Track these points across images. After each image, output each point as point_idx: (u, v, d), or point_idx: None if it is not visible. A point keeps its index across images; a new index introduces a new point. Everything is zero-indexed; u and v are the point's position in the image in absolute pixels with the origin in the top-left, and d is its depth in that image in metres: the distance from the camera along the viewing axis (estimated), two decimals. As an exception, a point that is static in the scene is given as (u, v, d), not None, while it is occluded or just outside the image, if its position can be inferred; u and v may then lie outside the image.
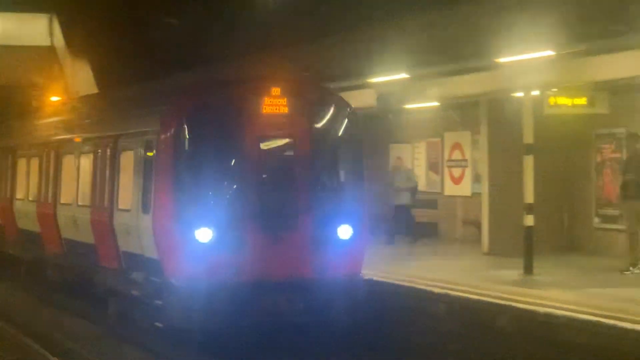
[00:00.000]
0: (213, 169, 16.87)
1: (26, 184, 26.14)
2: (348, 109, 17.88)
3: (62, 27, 33.42)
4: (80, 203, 21.54)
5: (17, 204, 27.14)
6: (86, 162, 21.25)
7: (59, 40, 34.34)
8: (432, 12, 24.45)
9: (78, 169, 21.89)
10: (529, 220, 20.27)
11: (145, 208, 17.18)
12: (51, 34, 34.00)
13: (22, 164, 27.12)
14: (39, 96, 32.80)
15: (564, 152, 25.20)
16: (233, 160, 16.87)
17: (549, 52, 18.78)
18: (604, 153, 24.16)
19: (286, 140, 17.28)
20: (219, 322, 16.04)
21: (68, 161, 22.71)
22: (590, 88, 21.49)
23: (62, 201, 22.84)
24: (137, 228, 17.39)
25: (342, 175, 17.92)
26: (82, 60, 33.63)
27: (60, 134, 24.20)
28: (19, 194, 27.09)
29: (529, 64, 19.63)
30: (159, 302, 16.70)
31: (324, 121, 17.57)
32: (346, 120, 17.74)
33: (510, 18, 19.26)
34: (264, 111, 16.95)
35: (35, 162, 25.31)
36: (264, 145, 16.92)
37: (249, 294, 16.19)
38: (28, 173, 26.05)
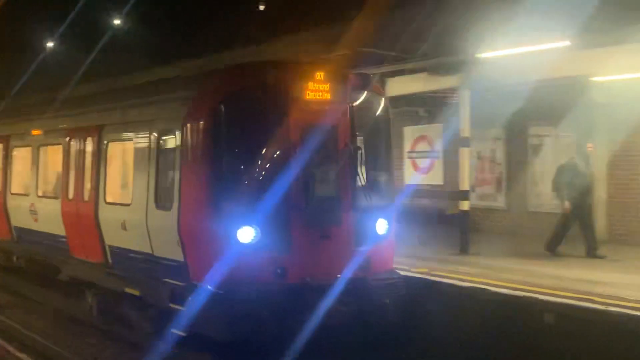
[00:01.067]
0: (253, 161, 12.16)
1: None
2: (383, 96, 13.75)
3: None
4: (52, 194, 16.79)
5: None
6: (61, 154, 16.33)
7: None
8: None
9: (55, 161, 16.78)
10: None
11: (161, 204, 12.76)
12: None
13: None
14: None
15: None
16: (274, 151, 12.12)
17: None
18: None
19: (328, 129, 12.45)
20: (265, 331, 11.61)
21: (44, 153, 17.66)
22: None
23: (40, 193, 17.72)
24: (144, 225, 13.07)
25: (377, 165, 13.50)
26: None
27: (27, 126, 18.69)
28: None
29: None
30: (177, 306, 12.17)
31: (363, 109, 13.00)
32: (381, 109, 13.51)
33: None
34: (307, 97, 12.37)
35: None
36: (306, 134, 12.16)
37: (298, 298, 11.79)
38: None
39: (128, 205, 13.76)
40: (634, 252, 18.24)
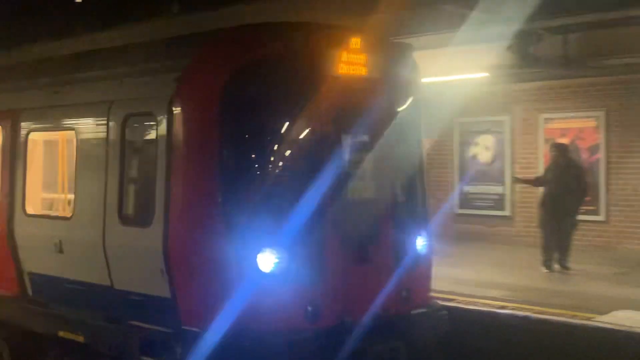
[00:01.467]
0: (275, 158, 8.58)
1: None
2: (420, 76, 10.00)
3: None
4: None
5: None
6: None
7: None
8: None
9: None
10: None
11: (132, 218, 9.05)
12: None
13: None
14: None
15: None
16: (303, 145, 8.59)
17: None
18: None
19: (365, 117, 8.86)
20: None
21: None
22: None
23: None
24: (98, 247, 9.20)
25: (411, 165, 9.87)
26: None
27: None
28: None
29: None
30: None
31: (402, 92, 9.52)
32: (418, 93, 9.90)
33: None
34: (340, 71, 8.74)
35: None
36: (341, 123, 8.64)
37: (336, 348, 8.19)
38: None
39: (67, 219, 9.98)
40: (447, 247, 18.34)
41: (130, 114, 9.02)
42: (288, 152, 8.58)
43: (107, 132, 9.25)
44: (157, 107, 8.56)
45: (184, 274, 8.30)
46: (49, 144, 10.90)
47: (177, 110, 8.37)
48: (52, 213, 10.62)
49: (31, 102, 10.77)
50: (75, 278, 9.74)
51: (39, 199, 10.96)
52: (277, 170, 8.55)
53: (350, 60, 8.82)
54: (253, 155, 8.39)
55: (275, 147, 8.54)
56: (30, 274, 10.58)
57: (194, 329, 8.17)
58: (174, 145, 8.34)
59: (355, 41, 8.84)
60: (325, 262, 8.49)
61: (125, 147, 9.04)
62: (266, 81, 8.32)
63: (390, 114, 9.33)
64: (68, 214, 9.96)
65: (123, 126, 9.07)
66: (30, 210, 10.62)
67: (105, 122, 9.29)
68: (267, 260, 8.11)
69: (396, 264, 9.20)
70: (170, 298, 8.43)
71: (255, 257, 8.06)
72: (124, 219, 9.00)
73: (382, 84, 9.21)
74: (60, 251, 9.86)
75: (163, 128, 8.48)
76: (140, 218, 8.81)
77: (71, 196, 10.05)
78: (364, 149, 9.08)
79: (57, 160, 10.62)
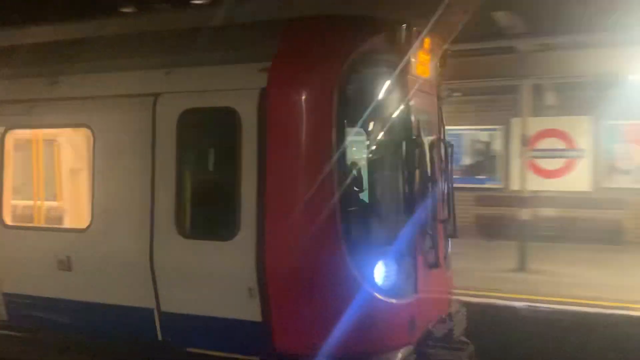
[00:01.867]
0: (386, 162, 7.97)
1: None
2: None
3: None
4: None
5: None
6: None
7: None
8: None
9: None
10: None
11: (200, 230, 7.72)
12: None
13: None
14: None
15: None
16: (405, 147, 7.68)
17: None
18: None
19: (428, 119, 8.60)
20: None
21: None
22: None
23: None
24: (143, 264, 7.79)
25: (447, 165, 9.20)
26: None
27: None
28: None
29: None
30: None
31: (441, 96, 9.11)
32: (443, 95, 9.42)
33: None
34: (417, 72, 8.11)
35: None
36: (420, 125, 8.07)
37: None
38: None
39: (80, 231, 8.29)
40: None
41: (190, 109, 7.64)
42: (397, 156, 7.74)
43: (153, 130, 7.78)
44: (242, 102, 7.34)
45: (285, 292, 7.28)
46: (40, 144, 8.91)
47: (276, 105, 7.22)
48: (52, 224, 8.80)
49: (16, 94, 8.70)
50: (93, 300, 8.16)
51: (28, 209, 9.04)
52: (382, 174, 7.88)
53: (423, 61, 8.28)
54: (368, 158, 7.64)
55: (387, 149, 7.86)
56: (7, 295, 8.75)
57: (297, 355, 7.20)
58: (272, 147, 7.20)
59: (427, 41, 8.26)
60: (416, 272, 7.89)
61: (183, 148, 7.68)
62: (372, 74, 7.58)
63: (439, 117, 8.92)
64: (81, 225, 8.29)
65: (179, 123, 7.67)
66: (9, 220, 8.73)
67: (148, 118, 7.80)
68: (382, 274, 7.45)
69: (447, 266, 8.92)
70: (260, 321, 7.30)
71: (373, 271, 7.38)
72: (186, 231, 7.68)
73: (434, 86, 8.80)
74: (68, 269, 8.26)
75: (252, 126, 7.29)
76: (215, 230, 7.58)
77: (80, 204, 8.50)
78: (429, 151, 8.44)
79: (54, 163, 8.82)
